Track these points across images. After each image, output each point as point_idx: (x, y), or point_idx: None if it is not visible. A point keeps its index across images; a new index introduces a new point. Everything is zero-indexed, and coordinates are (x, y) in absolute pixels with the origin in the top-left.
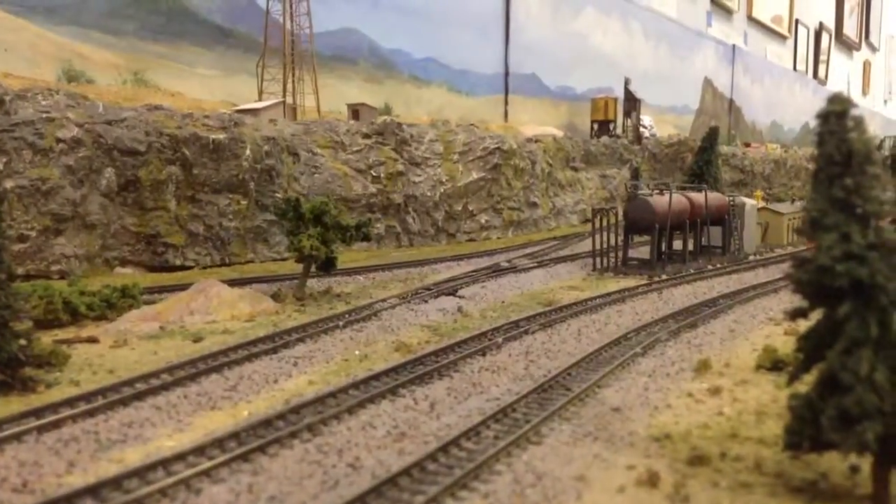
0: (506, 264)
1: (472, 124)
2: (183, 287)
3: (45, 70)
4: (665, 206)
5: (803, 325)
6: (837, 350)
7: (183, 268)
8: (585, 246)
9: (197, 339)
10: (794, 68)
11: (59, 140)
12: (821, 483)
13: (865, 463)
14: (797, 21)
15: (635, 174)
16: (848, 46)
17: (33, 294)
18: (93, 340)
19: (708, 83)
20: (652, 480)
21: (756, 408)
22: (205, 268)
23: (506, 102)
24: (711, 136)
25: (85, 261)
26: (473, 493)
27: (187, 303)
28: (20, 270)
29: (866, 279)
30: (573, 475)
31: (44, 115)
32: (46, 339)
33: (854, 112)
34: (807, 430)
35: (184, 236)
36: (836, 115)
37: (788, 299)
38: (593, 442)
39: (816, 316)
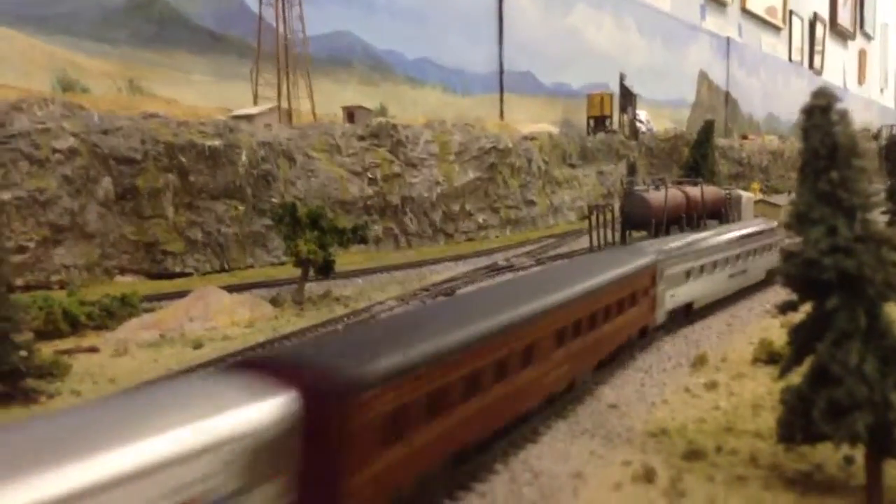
0: (504, 263)
1: (467, 124)
2: (182, 294)
3: (39, 80)
4: (661, 201)
5: (797, 317)
6: (827, 342)
7: (182, 275)
8: (583, 243)
9: (197, 346)
10: (790, 59)
11: (55, 150)
12: (815, 475)
13: (859, 454)
14: (791, 12)
15: (632, 170)
16: (843, 36)
17: (33, 305)
18: (93, 350)
19: (703, 76)
20: (648, 476)
21: (752, 401)
22: (204, 274)
23: (501, 101)
24: (707, 130)
25: (84, 270)
26: (471, 493)
27: (187, 310)
28: (19, 282)
29: (853, 271)
30: (570, 472)
31: (39, 126)
32: (47, 349)
33: (838, 106)
34: (799, 422)
35: (182, 243)
36: (821, 109)
37: (786, 292)
38: (590, 439)
39: (807, 308)
